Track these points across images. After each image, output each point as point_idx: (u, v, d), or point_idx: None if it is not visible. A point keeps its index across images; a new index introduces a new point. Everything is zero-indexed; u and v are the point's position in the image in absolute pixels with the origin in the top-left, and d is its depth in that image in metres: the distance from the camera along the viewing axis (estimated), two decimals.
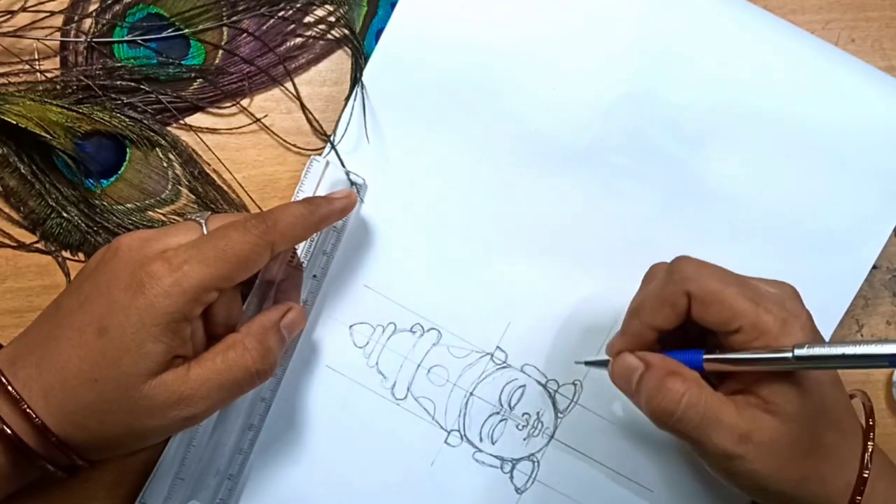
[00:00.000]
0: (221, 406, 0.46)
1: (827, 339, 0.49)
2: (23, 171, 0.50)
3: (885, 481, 0.44)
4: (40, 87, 0.50)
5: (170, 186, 0.51)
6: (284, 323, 0.47)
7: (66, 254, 0.51)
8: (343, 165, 0.50)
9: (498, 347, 0.50)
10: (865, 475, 0.41)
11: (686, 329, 0.43)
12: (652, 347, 0.43)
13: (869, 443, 0.42)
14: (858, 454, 0.42)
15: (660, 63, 0.50)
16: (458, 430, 0.50)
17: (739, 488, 0.43)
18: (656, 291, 0.43)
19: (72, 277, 0.50)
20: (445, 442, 0.50)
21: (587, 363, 0.48)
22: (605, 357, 0.45)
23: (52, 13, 0.51)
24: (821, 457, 0.42)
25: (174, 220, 0.51)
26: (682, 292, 0.41)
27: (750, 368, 0.40)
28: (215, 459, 0.48)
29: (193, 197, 0.51)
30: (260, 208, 0.51)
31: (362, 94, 0.50)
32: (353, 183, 0.49)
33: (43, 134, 0.49)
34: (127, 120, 0.50)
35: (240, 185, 0.51)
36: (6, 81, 0.51)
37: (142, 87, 0.51)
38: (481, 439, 0.50)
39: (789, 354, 0.38)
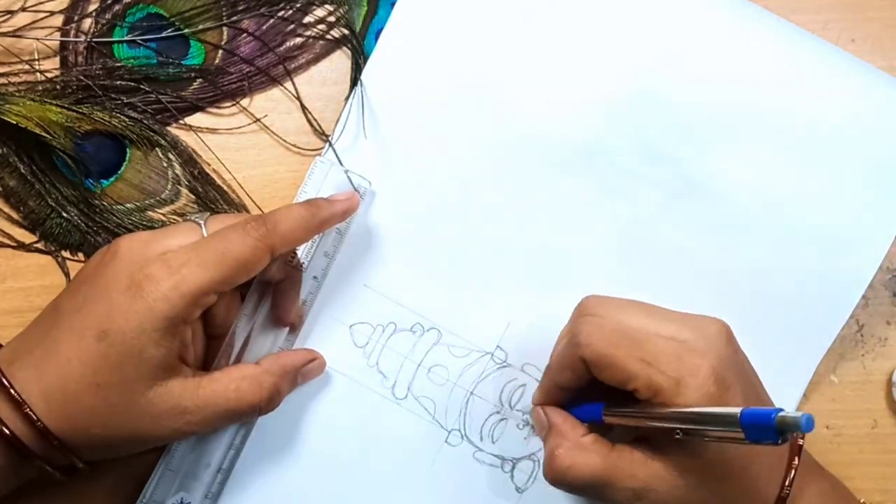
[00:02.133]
0: (216, 428, 0.46)
1: (830, 341, 0.49)
2: (23, 171, 0.50)
3: (814, 481, 0.43)
4: (40, 87, 0.50)
5: (170, 186, 0.51)
6: (304, 370, 0.47)
7: (66, 254, 0.51)
8: (342, 165, 0.50)
9: (498, 347, 0.50)
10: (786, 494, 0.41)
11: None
12: (566, 399, 0.45)
13: (794, 462, 0.41)
14: (776, 481, 0.41)
15: (660, 63, 0.50)
16: (459, 430, 0.50)
17: None
18: (558, 354, 0.44)
19: (72, 277, 0.50)
20: (446, 441, 0.50)
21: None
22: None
23: (52, 13, 0.51)
24: (728, 500, 0.41)
25: (174, 220, 0.51)
26: (577, 358, 0.42)
27: (643, 424, 0.40)
28: (207, 453, 0.48)
29: (193, 197, 0.51)
30: (260, 208, 0.51)
31: (362, 93, 0.50)
32: (355, 186, 0.49)
33: (43, 134, 0.49)
34: (127, 120, 0.50)
35: (240, 185, 0.51)
36: (6, 81, 0.51)
37: (142, 87, 0.51)
38: (482, 438, 0.50)
39: (674, 425, 0.38)
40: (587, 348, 0.41)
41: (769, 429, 0.34)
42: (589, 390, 0.43)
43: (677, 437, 0.39)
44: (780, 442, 0.34)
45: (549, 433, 0.43)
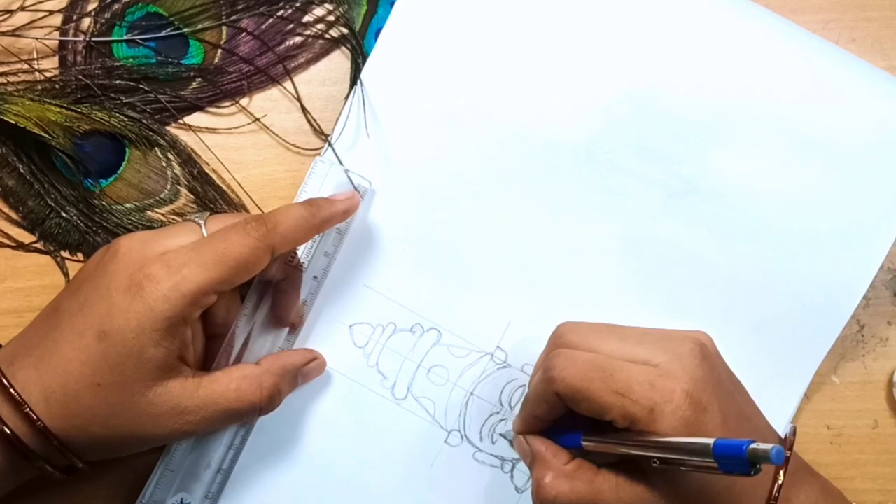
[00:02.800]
0: (216, 428, 0.46)
1: (831, 341, 0.49)
2: (22, 170, 0.50)
3: (805, 485, 0.43)
4: (39, 87, 0.50)
5: (169, 186, 0.51)
6: (304, 370, 0.47)
7: (66, 254, 0.51)
8: (342, 164, 0.50)
9: (498, 347, 0.50)
10: None
11: None
12: (547, 427, 0.44)
13: (779, 477, 0.41)
14: (762, 494, 0.41)
15: (661, 62, 0.50)
16: (459, 430, 0.50)
17: None
18: (534, 387, 0.44)
19: (71, 277, 0.50)
20: (445, 442, 0.50)
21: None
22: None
23: (51, 12, 0.51)
24: None
25: (173, 219, 0.51)
26: (552, 392, 0.41)
27: (621, 452, 0.40)
28: (207, 453, 0.48)
29: (192, 197, 0.51)
30: (259, 208, 0.51)
31: (361, 93, 0.50)
32: (356, 185, 0.49)
33: (42, 134, 0.49)
34: (126, 119, 0.50)
35: (239, 184, 0.51)
36: (5, 81, 0.51)
37: (141, 86, 0.51)
38: (481, 439, 0.50)
39: (650, 454, 0.38)
40: (561, 383, 0.41)
41: (741, 460, 0.34)
42: (571, 416, 0.43)
43: (654, 465, 0.39)
44: (751, 473, 0.34)
45: (533, 462, 0.43)
